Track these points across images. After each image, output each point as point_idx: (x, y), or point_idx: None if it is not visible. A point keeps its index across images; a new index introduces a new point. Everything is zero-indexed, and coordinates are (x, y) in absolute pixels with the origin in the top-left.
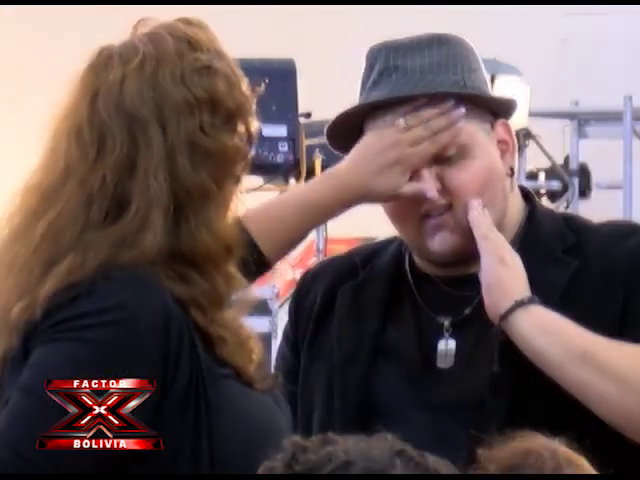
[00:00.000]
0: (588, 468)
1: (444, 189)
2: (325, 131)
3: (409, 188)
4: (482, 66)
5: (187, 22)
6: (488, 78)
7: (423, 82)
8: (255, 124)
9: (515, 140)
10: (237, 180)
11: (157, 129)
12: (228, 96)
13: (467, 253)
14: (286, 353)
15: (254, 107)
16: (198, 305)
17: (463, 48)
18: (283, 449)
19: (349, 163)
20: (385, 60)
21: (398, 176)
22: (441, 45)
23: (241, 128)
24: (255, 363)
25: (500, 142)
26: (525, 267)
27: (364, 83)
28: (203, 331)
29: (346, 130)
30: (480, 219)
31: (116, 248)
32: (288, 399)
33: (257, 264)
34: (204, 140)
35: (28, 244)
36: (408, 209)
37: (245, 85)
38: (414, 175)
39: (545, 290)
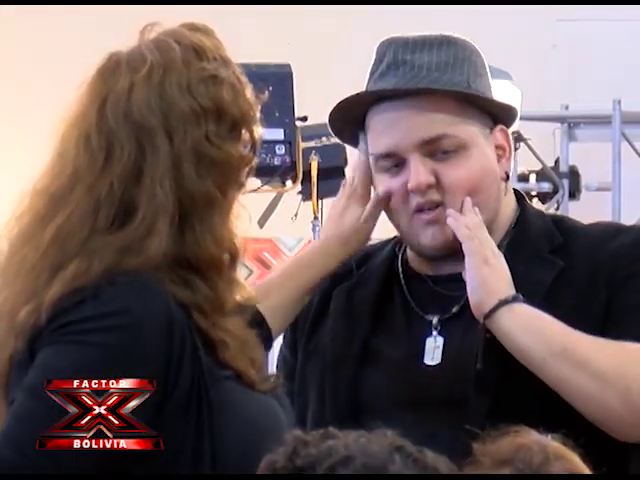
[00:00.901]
0: (579, 463)
1: (438, 184)
2: (328, 116)
3: (368, 210)
4: (488, 73)
5: (193, 28)
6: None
7: (428, 79)
8: (259, 131)
9: (512, 147)
10: (241, 187)
11: (164, 138)
12: (233, 105)
13: (458, 248)
14: (286, 355)
15: (258, 114)
16: (200, 309)
17: (472, 52)
18: (285, 443)
19: (323, 230)
20: (394, 54)
21: (355, 211)
22: (450, 46)
23: (245, 135)
24: (256, 366)
25: (497, 147)
26: (512, 266)
27: (372, 74)
28: (205, 335)
29: (348, 118)
30: (460, 222)
31: (121, 254)
32: (290, 398)
33: (265, 340)
34: (209, 149)
35: (36, 248)
36: (401, 203)
37: (249, 92)
38: (405, 166)
39: (530, 289)
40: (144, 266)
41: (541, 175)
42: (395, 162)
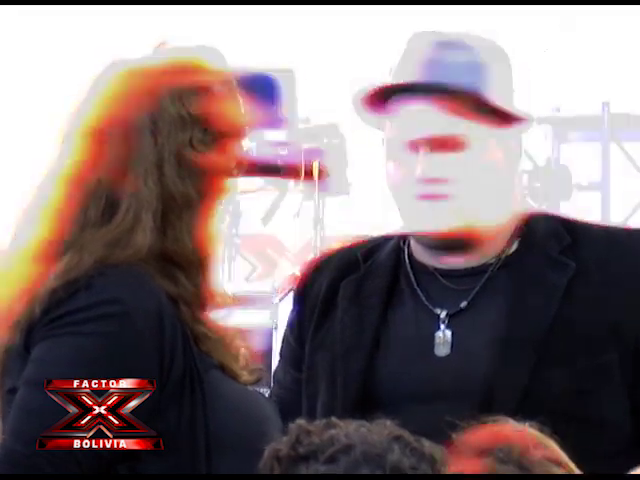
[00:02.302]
0: (557, 450)
1: (444, 179)
2: (352, 97)
3: None
4: (512, 78)
5: (201, 46)
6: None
7: (449, 79)
8: (247, 144)
9: (522, 152)
10: (222, 194)
11: (149, 139)
12: (221, 117)
13: (453, 240)
14: (291, 340)
15: (247, 130)
16: (186, 302)
17: (496, 57)
18: (289, 432)
19: None
20: (422, 50)
21: None
22: (476, 49)
23: (232, 147)
24: (240, 360)
25: (508, 150)
26: (526, 268)
27: (399, 64)
28: (190, 327)
29: (372, 97)
30: None
31: (110, 248)
32: (290, 383)
33: None
34: (191, 154)
35: (31, 241)
36: (406, 188)
37: (242, 108)
38: (416, 154)
39: (547, 292)
40: (132, 259)
41: (533, 174)
42: (407, 149)
